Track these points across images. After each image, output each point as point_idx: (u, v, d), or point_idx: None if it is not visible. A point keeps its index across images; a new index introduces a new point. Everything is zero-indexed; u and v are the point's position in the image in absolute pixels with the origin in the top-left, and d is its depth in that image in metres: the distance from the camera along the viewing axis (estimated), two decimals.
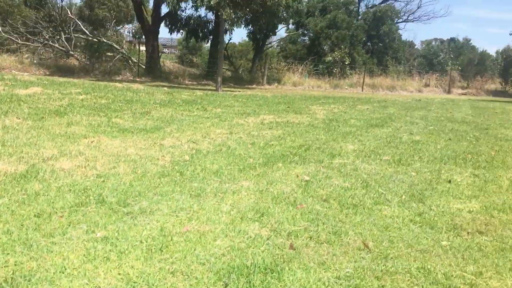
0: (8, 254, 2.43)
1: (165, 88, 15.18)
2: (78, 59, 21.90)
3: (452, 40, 45.74)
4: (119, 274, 2.33)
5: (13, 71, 17.44)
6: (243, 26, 22.97)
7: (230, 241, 2.81)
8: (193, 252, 2.61)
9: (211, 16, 23.55)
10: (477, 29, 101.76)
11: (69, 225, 2.84)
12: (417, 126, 9.35)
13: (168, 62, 27.69)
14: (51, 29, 22.77)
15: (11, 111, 6.97)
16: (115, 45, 23.39)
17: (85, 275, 2.28)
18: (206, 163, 4.73)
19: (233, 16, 16.15)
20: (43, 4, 29.31)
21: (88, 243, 2.61)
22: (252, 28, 24.60)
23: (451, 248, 2.98)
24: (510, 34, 38.18)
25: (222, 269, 2.44)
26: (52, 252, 2.48)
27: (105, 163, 4.41)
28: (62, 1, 32.13)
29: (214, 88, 17.01)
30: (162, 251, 2.60)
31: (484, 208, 3.92)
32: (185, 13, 23.56)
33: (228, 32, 22.78)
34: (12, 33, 22.13)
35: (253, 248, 2.74)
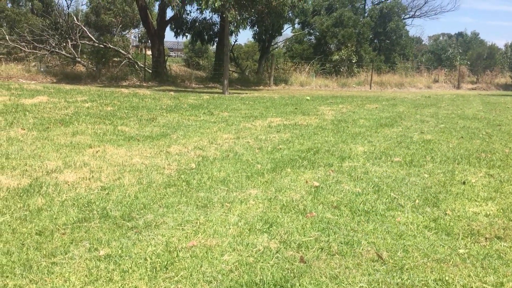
0: (7, 277, 2.34)
1: (172, 93, 15.12)
2: (85, 66, 21.93)
3: (460, 34, 45.29)
4: None
5: (20, 79, 17.48)
6: (248, 27, 22.89)
7: (238, 256, 2.70)
8: (199, 269, 2.50)
9: (216, 18, 23.49)
10: (485, 22, 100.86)
11: (72, 243, 2.76)
12: (427, 124, 9.18)
13: (174, 66, 27.65)
14: (57, 36, 22.82)
15: (16, 121, 6.92)
16: (121, 51, 23.39)
17: None
18: (213, 171, 4.63)
19: (238, 18, 16.03)
20: (49, 12, 29.53)
21: (90, 262, 2.51)
22: (257, 29, 24.47)
23: (469, 256, 2.85)
24: None
25: (230, 287, 2.34)
26: (52, 273, 2.38)
27: (110, 174, 4.32)
28: (68, 8, 32.39)
29: (221, 91, 16.92)
30: (167, 268, 2.50)
31: (501, 211, 3.77)
32: (190, 16, 23.56)
33: (233, 34, 22.71)
34: (19, 42, 22.25)
35: (262, 263, 2.63)
